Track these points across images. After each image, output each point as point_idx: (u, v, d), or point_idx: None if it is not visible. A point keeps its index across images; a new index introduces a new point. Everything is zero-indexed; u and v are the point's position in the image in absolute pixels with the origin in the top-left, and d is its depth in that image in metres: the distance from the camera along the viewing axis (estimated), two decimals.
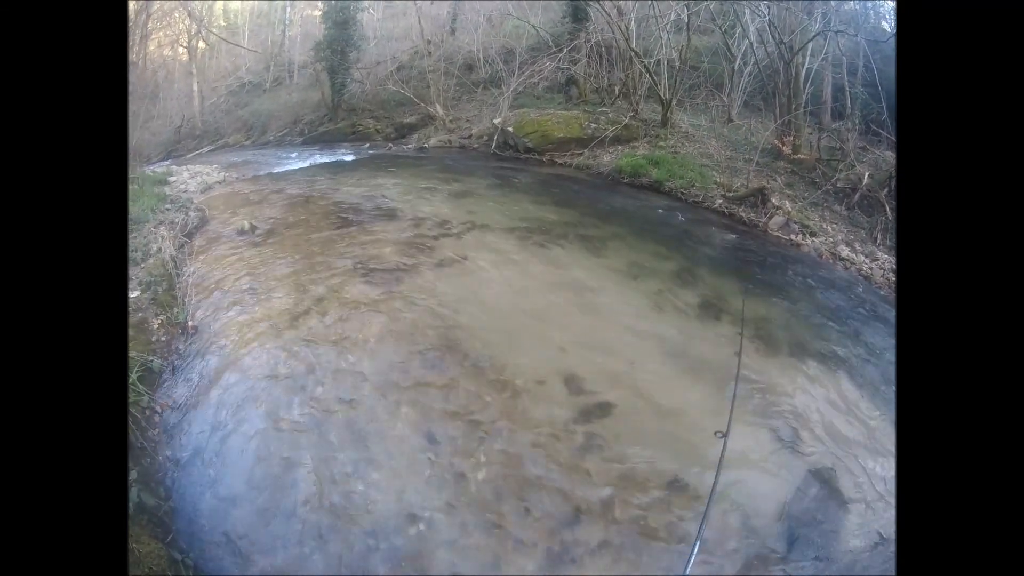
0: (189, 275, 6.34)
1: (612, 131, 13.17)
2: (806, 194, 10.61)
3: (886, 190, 9.97)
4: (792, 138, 12.09)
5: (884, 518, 4.04)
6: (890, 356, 5.94)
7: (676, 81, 13.57)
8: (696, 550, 2.51)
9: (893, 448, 4.54)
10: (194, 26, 22.33)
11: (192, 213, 8.82)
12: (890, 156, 10.88)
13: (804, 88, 12.35)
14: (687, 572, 2.40)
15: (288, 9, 27.69)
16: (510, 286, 6.63)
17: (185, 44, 23.54)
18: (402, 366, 5.01)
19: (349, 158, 14.90)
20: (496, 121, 14.59)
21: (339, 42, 18.31)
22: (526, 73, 15.72)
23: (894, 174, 9.94)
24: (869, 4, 14.78)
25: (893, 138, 11.21)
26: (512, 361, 5.13)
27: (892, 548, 3.73)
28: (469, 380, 4.89)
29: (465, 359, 5.16)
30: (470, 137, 15.53)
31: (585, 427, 4.46)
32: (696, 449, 4.34)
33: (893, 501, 4.07)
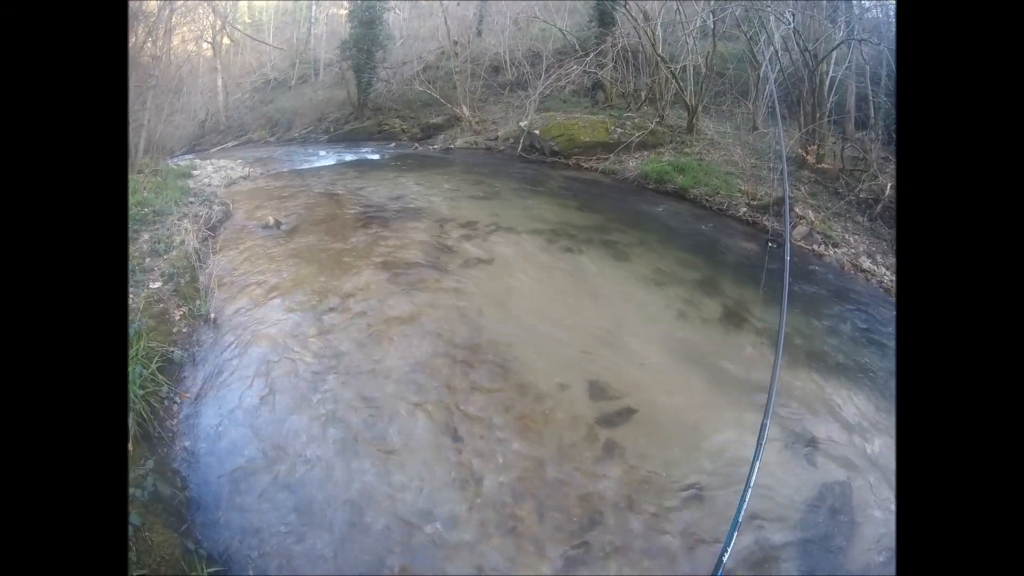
0: (212, 268, 6.38)
1: (638, 136, 13.20)
2: (829, 204, 10.50)
3: None
4: (816, 147, 12.01)
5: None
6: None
7: (702, 87, 13.56)
8: (730, 547, 2.50)
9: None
10: (219, 22, 22.43)
11: (216, 207, 8.92)
12: None
13: (828, 97, 12.26)
14: (719, 573, 2.42)
15: (313, 7, 27.80)
16: (535, 289, 6.65)
17: (210, 40, 23.45)
18: (425, 366, 5.03)
19: (375, 157, 14.99)
20: (522, 124, 14.65)
21: (365, 41, 18.37)
22: (553, 76, 15.74)
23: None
24: (892, 13, 14.61)
25: None
26: (535, 364, 5.15)
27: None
28: (492, 382, 4.92)
29: (488, 361, 5.18)
30: (496, 139, 15.60)
31: (606, 432, 4.48)
32: (716, 456, 4.36)
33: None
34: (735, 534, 2.56)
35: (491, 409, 4.60)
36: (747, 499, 2.70)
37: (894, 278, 8.50)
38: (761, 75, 13.88)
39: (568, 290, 6.72)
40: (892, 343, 6.42)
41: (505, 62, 19.12)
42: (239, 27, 27.21)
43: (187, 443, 4.20)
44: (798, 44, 12.22)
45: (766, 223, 10.05)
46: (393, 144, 16.77)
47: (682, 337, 5.98)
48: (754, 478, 2.77)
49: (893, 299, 7.93)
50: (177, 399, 4.58)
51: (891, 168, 10.91)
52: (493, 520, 3.73)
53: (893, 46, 12.33)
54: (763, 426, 3.04)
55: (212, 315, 5.63)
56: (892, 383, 5.67)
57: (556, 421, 4.55)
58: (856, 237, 9.76)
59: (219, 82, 24.02)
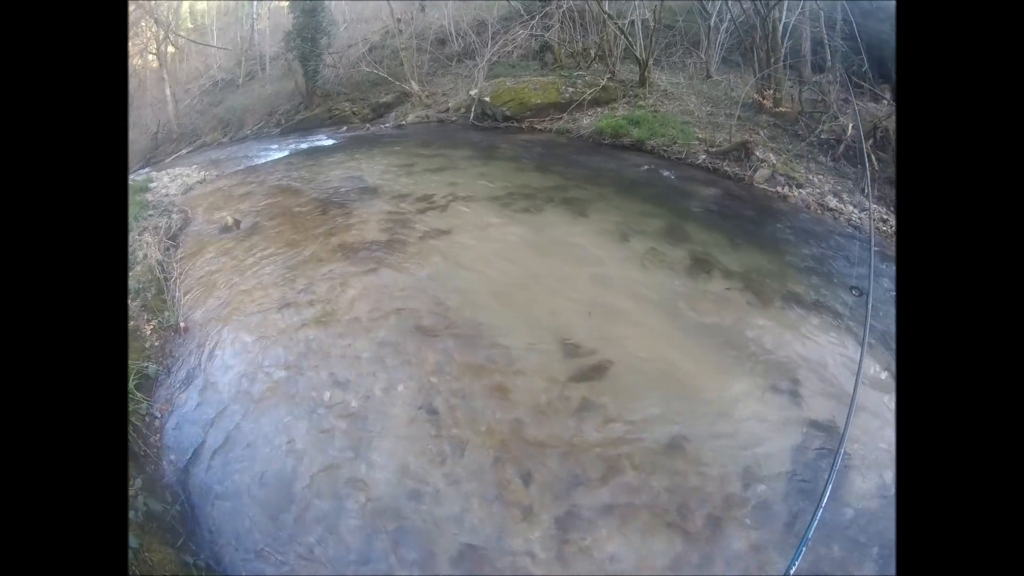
0: (176, 278, 6.44)
1: (590, 94, 13.05)
2: (790, 146, 10.52)
3: (871, 141, 9.86)
4: (772, 92, 11.97)
5: (883, 470, 3.95)
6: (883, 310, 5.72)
7: (652, 41, 13.39)
8: (797, 562, 2.48)
9: (886, 401, 4.51)
10: (162, 32, 22.17)
11: (175, 215, 8.87)
12: (873, 107, 10.81)
13: (782, 43, 12.19)
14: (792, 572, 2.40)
15: (255, 4, 27.38)
16: (497, 254, 6.65)
17: (154, 51, 23.21)
18: (394, 342, 5.06)
19: (328, 142, 14.75)
20: (472, 93, 14.40)
21: (309, 29, 18.02)
22: (499, 43, 15.57)
23: (878, 125, 9.87)
24: None
25: (875, 90, 11.18)
26: (504, 328, 5.18)
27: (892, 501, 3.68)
28: (462, 350, 4.94)
29: (457, 329, 5.20)
30: (447, 111, 15.33)
31: (581, 389, 4.49)
32: (694, 406, 4.34)
33: (892, 452, 3.99)
34: (804, 550, 2.55)
35: (463, 377, 4.64)
36: (820, 513, 2.72)
37: (862, 215, 8.46)
38: (712, 25, 13.81)
39: (531, 252, 6.70)
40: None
41: (451, 34, 18.92)
42: (182, 34, 26.98)
43: (173, 456, 4.21)
44: None
45: (726, 169, 10.05)
46: (345, 127, 16.48)
47: (649, 288, 5.94)
48: (829, 490, 2.84)
49: (862, 235, 7.87)
50: (157, 413, 4.60)
51: (851, 109, 10.88)
52: (475, 489, 3.73)
53: None
54: (843, 433, 3.19)
55: (182, 324, 5.68)
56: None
57: (531, 383, 4.56)
58: (820, 177, 9.78)
59: (167, 91, 23.44)
